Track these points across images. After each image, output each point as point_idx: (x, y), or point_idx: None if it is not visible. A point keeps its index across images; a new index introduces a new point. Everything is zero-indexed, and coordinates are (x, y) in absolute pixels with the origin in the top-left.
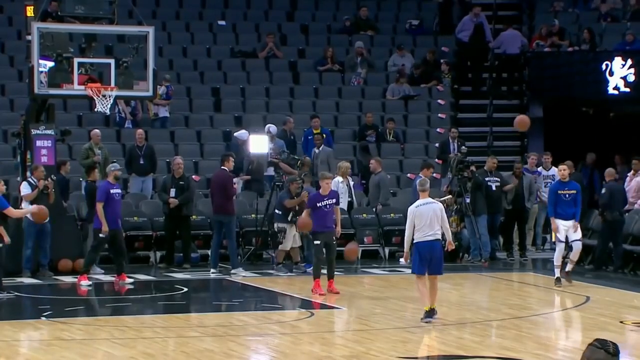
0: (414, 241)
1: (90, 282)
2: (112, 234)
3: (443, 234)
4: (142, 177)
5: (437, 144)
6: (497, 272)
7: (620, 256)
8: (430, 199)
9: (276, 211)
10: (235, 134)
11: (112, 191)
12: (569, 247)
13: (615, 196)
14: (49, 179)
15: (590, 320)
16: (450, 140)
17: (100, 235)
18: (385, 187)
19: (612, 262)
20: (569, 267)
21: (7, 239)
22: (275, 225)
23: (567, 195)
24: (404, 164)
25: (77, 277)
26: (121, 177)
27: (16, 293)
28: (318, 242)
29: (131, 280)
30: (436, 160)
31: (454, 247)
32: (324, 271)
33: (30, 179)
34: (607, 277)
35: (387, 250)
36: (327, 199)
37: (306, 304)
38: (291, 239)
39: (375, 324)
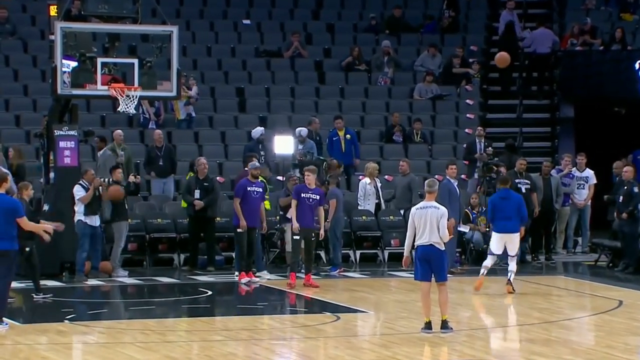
0: (415, 245)
1: (248, 279)
2: (247, 231)
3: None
4: (162, 179)
5: (464, 145)
6: (526, 276)
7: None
8: (432, 203)
9: (280, 212)
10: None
11: (249, 188)
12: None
13: (630, 194)
14: (104, 181)
15: (622, 325)
16: (477, 140)
17: (238, 230)
18: (416, 189)
19: None
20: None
21: (47, 235)
22: (278, 226)
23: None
24: (432, 165)
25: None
26: (143, 179)
27: (43, 295)
28: (297, 237)
29: (257, 279)
30: (463, 161)
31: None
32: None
33: (81, 182)
34: None
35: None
36: (312, 193)
37: (332, 308)
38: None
39: (401, 327)
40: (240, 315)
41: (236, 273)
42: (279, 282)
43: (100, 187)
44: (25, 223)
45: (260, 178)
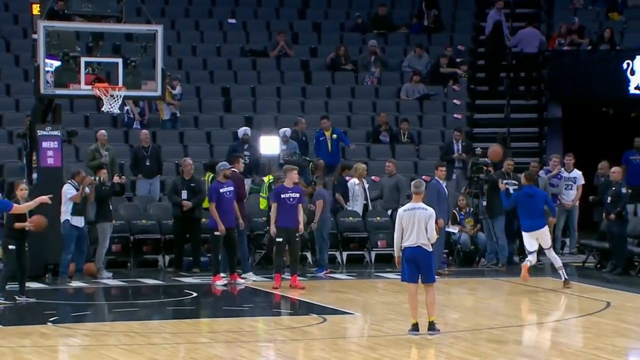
0: (403, 247)
1: (225, 282)
2: (226, 233)
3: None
4: (149, 180)
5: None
6: (514, 277)
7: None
8: (419, 204)
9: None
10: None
11: (222, 190)
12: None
13: (618, 195)
14: (94, 179)
15: (610, 326)
16: (454, 142)
17: (216, 233)
18: (404, 190)
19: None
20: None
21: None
22: (266, 228)
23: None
24: (419, 166)
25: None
26: (128, 179)
27: (26, 298)
28: (280, 239)
29: (242, 281)
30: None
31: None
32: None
33: (70, 182)
34: (628, 283)
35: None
36: (291, 192)
37: (318, 309)
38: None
39: (388, 329)
40: (226, 317)
41: (222, 275)
42: (265, 284)
43: (89, 187)
44: (18, 208)
45: (271, 178)
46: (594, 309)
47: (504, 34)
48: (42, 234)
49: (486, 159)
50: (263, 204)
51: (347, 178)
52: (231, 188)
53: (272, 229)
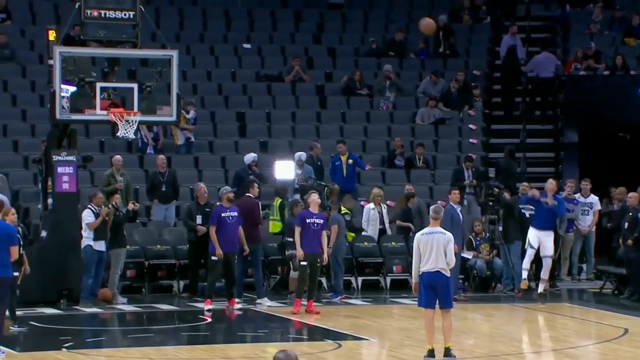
0: (420, 271)
1: (211, 307)
2: (225, 258)
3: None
4: (165, 205)
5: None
6: (530, 303)
7: None
8: (438, 229)
9: (287, 238)
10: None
11: (223, 215)
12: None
13: (636, 221)
14: (110, 206)
15: (628, 353)
16: (465, 168)
17: (213, 258)
18: (425, 215)
19: None
20: (540, 288)
21: (27, 267)
22: (287, 252)
23: None
24: (434, 191)
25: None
26: (143, 205)
27: (35, 324)
28: (305, 263)
29: (240, 305)
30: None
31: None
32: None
33: (90, 207)
34: None
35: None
36: (316, 218)
37: (334, 335)
38: None
39: (404, 355)
40: (241, 342)
41: (237, 300)
42: (280, 309)
43: (107, 217)
44: (16, 252)
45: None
46: (611, 335)
47: (518, 59)
48: (59, 259)
49: (496, 181)
50: (275, 227)
51: (362, 202)
52: (235, 213)
53: (300, 252)
